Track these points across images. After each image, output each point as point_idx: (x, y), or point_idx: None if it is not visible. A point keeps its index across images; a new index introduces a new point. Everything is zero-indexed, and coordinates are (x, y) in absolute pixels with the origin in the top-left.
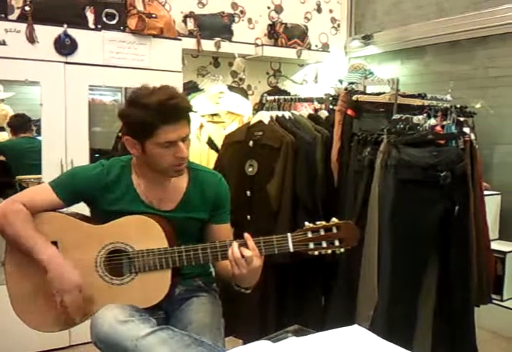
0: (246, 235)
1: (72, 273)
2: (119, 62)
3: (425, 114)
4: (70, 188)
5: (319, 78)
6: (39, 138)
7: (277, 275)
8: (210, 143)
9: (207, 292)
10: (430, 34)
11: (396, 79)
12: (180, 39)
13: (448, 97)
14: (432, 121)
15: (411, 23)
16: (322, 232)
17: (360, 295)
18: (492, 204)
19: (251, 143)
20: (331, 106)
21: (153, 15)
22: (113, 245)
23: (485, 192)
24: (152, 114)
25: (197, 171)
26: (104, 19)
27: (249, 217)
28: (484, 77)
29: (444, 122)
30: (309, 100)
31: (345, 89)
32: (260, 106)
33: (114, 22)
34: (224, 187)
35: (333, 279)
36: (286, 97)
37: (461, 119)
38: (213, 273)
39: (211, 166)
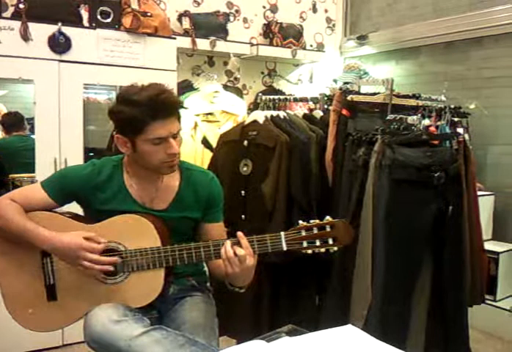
0: (239, 234)
1: (70, 241)
2: (113, 61)
3: (419, 115)
4: (61, 187)
5: (314, 77)
6: (32, 136)
7: (271, 274)
8: (205, 142)
9: (200, 292)
10: (425, 35)
11: (391, 79)
12: (174, 38)
13: (442, 97)
14: (426, 121)
15: (406, 23)
16: (315, 231)
17: (354, 294)
18: (486, 204)
19: (245, 142)
20: (325, 106)
21: (148, 14)
22: (106, 244)
23: (479, 193)
24: (141, 110)
25: (189, 171)
26: (99, 17)
27: (243, 217)
28: (478, 78)
29: (439, 123)
30: (304, 99)
31: (340, 89)
32: (254, 106)
33: (108, 20)
34: (216, 186)
35: (327, 279)
36: (281, 96)
37: (455, 119)
38: (207, 273)
39: (206, 165)
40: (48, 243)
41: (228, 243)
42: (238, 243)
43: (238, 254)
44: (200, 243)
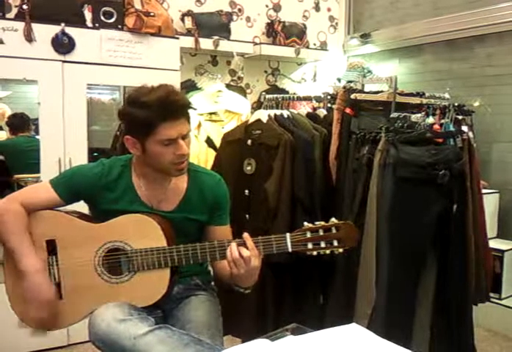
0: (245, 235)
1: (47, 289)
2: (116, 61)
3: (423, 113)
4: (69, 186)
5: (317, 76)
6: (37, 137)
7: (275, 273)
8: (209, 142)
9: (205, 291)
10: (428, 33)
11: (394, 77)
12: (177, 38)
13: (446, 95)
14: (430, 119)
15: (408, 21)
16: (321, 233)
17: (358, 293)
18: (490, 202)
19: (249, 142)
20: (329, 105)
21: (151, 14)
22: (112, 243)
23: (484, 190)
24: (151, 112)
25: (197, 173)
26: (102, 17)
27: (247, 216)
28: (482, 75)
29: (443, 121)
30: (308, 98)
31: (344, 87)
32: (258, 105)
33: (111, 20)
34: (223, 189)
35: (331, 278)
36: (284, 95)
37: (459, 117)
38: (211, 272)
39: (210, 164)
40: (26, 272)
41: (233, 244)
42: (244, 244)
43: (243, 255)
44: (205, 244)
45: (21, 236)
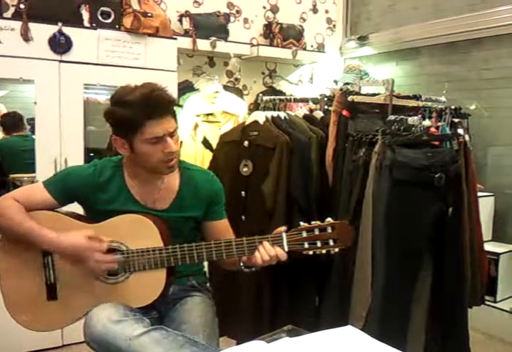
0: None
1: (74, 242)
2: (114, 61)
3: (419, 115)
4: (63, 187)
5: (314, 78)
6: (33, 136)
7: (271, 275)
8: (205, 143)
9: (200, 292)
10: (426, 36)
11: (391, 80)
12: (175, 39)
13: (443, 98)
14: (427, 122)
15: (406, 24)
16: (317, 232)
17: (354, 295)
18: (486, 205)
19: (246, 143)
20: (326, 107)
21: (149, 14)
22: (108, 244)
23: (479, 193)
24: (135, 110)
25: (189, 170)
26: (99, 17)
27: (243, 217)
28: (479, 79)
29: (439, 124)
30: (305, 100)
31: (341, 89)
32: (255, 106)
33: (109, 20)
34: (216, 184)
35: (327, 280)
36: (281, 97)
37: (456, 120)
38: (207, 273)
39: (206, 165)
40: (52, 244)
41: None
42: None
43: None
44: (202, 243)
45: (29, 221)
